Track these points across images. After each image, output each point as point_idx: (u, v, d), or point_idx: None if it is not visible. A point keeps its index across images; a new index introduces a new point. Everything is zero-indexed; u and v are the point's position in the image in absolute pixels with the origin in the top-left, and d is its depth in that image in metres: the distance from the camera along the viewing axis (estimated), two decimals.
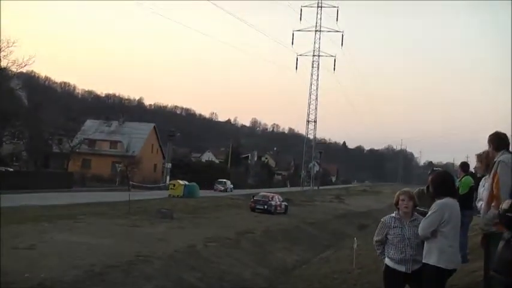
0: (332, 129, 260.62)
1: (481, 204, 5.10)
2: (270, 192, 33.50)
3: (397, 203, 5.00)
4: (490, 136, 4.98)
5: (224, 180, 53.18)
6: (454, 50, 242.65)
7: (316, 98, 77.57)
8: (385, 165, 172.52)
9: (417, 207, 5.09)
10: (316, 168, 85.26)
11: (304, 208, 36.35)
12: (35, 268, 9.13)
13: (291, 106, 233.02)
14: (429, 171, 5.88)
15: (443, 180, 4.82)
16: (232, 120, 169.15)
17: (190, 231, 17.39)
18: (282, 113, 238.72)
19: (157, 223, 18.76)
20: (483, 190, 5.23)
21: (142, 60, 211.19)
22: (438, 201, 4.72)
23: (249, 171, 76.76)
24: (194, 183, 38.53)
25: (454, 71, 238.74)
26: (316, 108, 77.95)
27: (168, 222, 19.32)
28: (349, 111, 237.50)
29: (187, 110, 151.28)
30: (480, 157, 5.54)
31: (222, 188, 49.99)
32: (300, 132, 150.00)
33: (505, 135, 4.99)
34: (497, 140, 4.91)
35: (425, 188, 5.10)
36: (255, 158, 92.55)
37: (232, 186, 53.08)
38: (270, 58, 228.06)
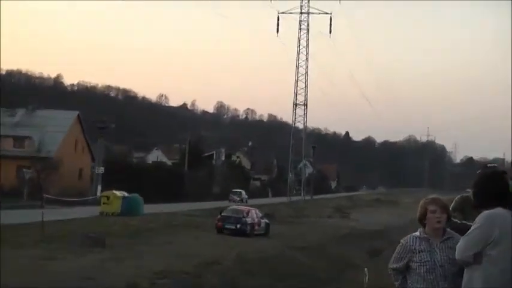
0: (329, 115, 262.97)
1: None
2: (244, 206, 33.77)
3: (423, 217, 4.98)
4: None
5: (239, 190, 67.88)
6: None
7: (306, 73, 78.29)
8: (406, 164, 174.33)
9: (451, 218, 5.10)
10: (309, 169, 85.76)
11: (292, 227, 36.70)
12: None
13: (272, 85, 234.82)
14: (480, 171, 5.75)
15: (491, 183, 4.74)
16: (189, 105, 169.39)
17: (131, 264, 17.47)
18: (258, 95, 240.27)
19: (83, 253, 18.81)
20: None
21: (61, 25, 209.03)
22: (484, 213, 4.63)
23: (213, 175, 76.76)
24: (137, 195, 38.71)
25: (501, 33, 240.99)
26: (306, 86, 78.64)
27: (99, 252, 19.38)
28: (352, 90, 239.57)
29: (125, 91, 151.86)
30: None
31: (238, 199, 63.14)
32: (284, 120, 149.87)
33: None
34: None
35: (471, 193, 5.02)
36: (223, 157, 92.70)
37: (247, 197, 67.02)
38: (241, 18, 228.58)
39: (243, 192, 68.23)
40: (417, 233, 5.00)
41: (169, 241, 24.36)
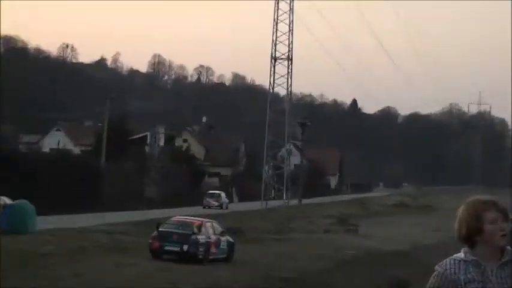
0: (327, 75, 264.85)
1: None
2: (194, 217, 35.08)
3: (476, 230, 4.87)
4: None
5: (218, 192, 77.97)
6: None
7: (291, 9, 78.06)
8: (446, 148, 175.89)
9: None
10: (296, 159, 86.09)
11: (270, 247, 37.83)
12: None
13: (237, 29, 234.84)
14: None
15: None
16: (109, 62, 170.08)
17: None
18: (217, 44, 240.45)
19: None
20: None
21: None
22: None
23: (147, 170, 76.63)
24: (25, 202, 38.62)
25: None
26: (291, 30, 78.48)
27: None
28: (361, 37, 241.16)
29: (9, 40, 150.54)
30: None
31: (216, 204, 71.96)
32: (257, 82, 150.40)
33: None
34: None
35: None
36: (162, 142, 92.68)
37: (227, 201, 76.80)
38: None
39: (223, 194, 77.22)
40: (461, 255, 4.94)
41: (76, 273, 24.62)
